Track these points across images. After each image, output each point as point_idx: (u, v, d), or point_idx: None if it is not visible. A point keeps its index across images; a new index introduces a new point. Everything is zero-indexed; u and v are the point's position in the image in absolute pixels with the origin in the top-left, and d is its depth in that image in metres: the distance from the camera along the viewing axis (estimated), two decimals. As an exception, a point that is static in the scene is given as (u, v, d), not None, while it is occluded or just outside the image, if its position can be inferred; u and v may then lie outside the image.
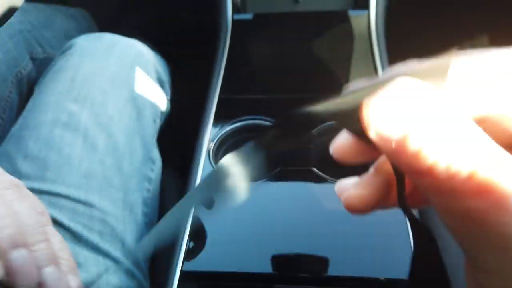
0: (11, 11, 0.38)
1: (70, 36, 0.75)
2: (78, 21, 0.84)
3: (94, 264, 0.42)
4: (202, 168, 0.50)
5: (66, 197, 0.42)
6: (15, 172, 0.43)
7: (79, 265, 0.41)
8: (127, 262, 0.45)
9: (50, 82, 0.47)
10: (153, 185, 0.51)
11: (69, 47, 0.51)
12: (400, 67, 0.15)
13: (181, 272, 0.42)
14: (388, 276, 0.39)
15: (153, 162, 0.52)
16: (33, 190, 0.41)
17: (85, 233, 0.42)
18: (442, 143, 0.13)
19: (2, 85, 0.62)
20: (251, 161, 0.19)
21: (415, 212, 0.44)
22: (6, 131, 0.51)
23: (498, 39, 1.10)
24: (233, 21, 0.66)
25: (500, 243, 0.13)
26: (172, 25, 1.13)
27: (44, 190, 0.42)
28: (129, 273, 0.45)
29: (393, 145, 0.14)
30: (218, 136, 0.52)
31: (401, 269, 0.40)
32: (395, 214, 0.40)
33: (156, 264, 0.52)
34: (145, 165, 0.50)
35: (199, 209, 0.46)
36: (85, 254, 0.42)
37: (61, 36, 0.75)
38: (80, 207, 0.42)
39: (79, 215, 0.42)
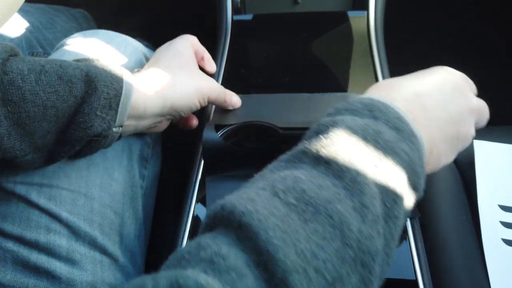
0: (11, 12, 0.38)
1: (70, 36, 0.76)
2: (79, 22, 0.84)
3: (90, 261, 0.42)
4: (202, 168, 0.50)
5: (67, 189, 0.42)
6: None
7: (74, 262, 0.41)
8: (123, 259, 0.45)
9: None
10: (146, 183, 0.52)
11: (64, 44, 0.51)
12: None
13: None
14: (387, 276, 0.39)
15: (145, 159, 0.52)
16: (33, 183, 0.41)
17: (84, 226, 0.42)
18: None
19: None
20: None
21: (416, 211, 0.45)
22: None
23: (496, 37, 1.10)
24: (233, 21, 0.66)
25: None
26: (172, 25, 1.14)
27: (45, 183, 0.42)
28: (124, 270, 0.45)
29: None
30: (218, 136, 0.52)
31: (400, 269, 0.40)
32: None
33: (156, 263, 0.52)
34: (140, 162, 0.51)
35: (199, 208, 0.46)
36: (81, 251, 0.42)
37: (62, 37, 0.75)
38: (81, 199, 0.43)
39: (79, 207, 0.42)
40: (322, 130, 0.32)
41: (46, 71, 0.35)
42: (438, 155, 0.36)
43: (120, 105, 0.39)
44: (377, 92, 0.36)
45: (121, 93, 0.38)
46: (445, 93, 0.36)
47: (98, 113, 0.37)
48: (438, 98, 0.35)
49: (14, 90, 0.33)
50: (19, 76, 0.34)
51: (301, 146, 0.31)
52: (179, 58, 0.46)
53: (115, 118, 0.39)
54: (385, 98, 0.34)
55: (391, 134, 0.30)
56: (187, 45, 0.48)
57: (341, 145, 0.29)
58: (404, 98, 0.34)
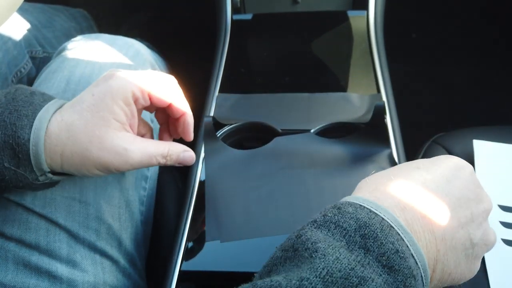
0: (10, 11, 0.38)
1: (70, 36, 0.75)
2: (78, 21, 0.84)
3: (91, 263, 0.42)
4: (201, 168, 0.50)
5: (61, 195, 0.42)
6: None
7: (75, 264, 0.41)
8: (123, 261, 0.45)
9: (46, 83, 0.47)
10: (149, 184, 0.51)
11: (66, 48, 0.51)
12: None
13: (180, 271, 0.42)
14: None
15: None
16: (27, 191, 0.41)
17: (81, 232, 0.42)
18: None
19: (3, 84, 0.62)
20: None
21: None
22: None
23: (496, 36, 1.10)
24: (233, 21, 0.66)
25: None
26: (172, 25, 1.14)
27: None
28: (125, 272, 0.45)
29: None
30: (218, 136, 0.52)
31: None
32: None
33: (155, 263, 0.52)
34: None
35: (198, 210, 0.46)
36: (82, 253, 0.42)
37: (61, 36, 0.75)
38: (76, 205, 0.42)
39: (74, 214, 0.42)
40: (297, 255, 0.26)
41: None
42: (446, 271, 0.29)
43: (31, 156, 0.34)
44: (375, 191, 0.30)
45: (28, 142, 0.33)
46: (452, 192, 0.30)
47: (6, 164, 0.33)
48: (444, 200, 0.29)
49: None
50: None
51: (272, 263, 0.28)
52: (94, 114, 0.35)
53: (31, 169, 0.34)
54: (382, 200, 0.28)
55: (380, 280, 0.24)
56: (121, 99, 0.36)
57: None
58: (400, 202, 0.28)
